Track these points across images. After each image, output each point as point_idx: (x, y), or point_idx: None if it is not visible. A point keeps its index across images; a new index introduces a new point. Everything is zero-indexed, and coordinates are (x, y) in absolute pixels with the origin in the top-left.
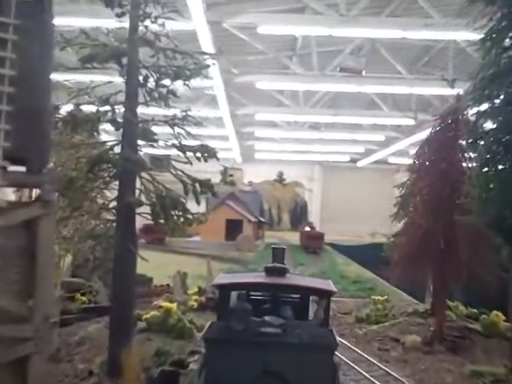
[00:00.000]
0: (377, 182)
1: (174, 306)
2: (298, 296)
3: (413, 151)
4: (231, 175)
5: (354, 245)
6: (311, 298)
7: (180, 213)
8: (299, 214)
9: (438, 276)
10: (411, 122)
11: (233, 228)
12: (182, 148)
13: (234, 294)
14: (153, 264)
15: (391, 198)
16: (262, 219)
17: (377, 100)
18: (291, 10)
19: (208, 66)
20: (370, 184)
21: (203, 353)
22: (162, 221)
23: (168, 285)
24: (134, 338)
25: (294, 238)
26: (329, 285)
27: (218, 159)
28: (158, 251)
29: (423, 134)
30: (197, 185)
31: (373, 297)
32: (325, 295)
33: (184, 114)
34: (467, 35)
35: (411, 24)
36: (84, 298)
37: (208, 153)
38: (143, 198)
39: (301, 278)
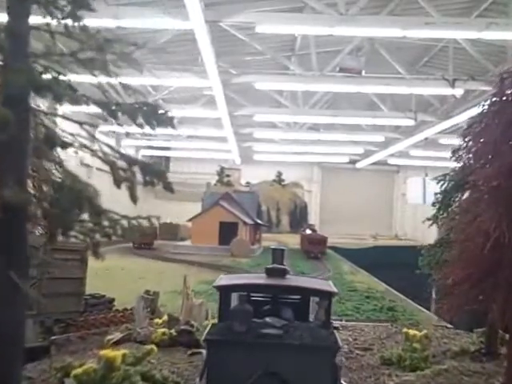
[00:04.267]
0: (376, 183)
1: (118, 354)
2: (299, 297)
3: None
4: (228, 175)
5: (356, 248)
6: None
7: (92, 216)
8: (299, 216)
9: None
10: (411, 122)
11: (227, 231)
12: (109, 106)
13: (234, 296)
14: (130, 275)
15: (391, 199)
16: (259, 221)
17: (376, 100)
18: (290, 10)
19: None
20: (370, 185)
21: (204, 354)
22: (59, 230)
23: None
24: None
25: (293, 241)
26: (329, 285)
27: (173, 127)
28: (142, 257)
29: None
30: (135, 170)
31: (405, 330)
32: (325, 296)
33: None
34: (467, 34)
35: (411, 23)
36: None
37: (156, 117)
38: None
39: (301, 279)
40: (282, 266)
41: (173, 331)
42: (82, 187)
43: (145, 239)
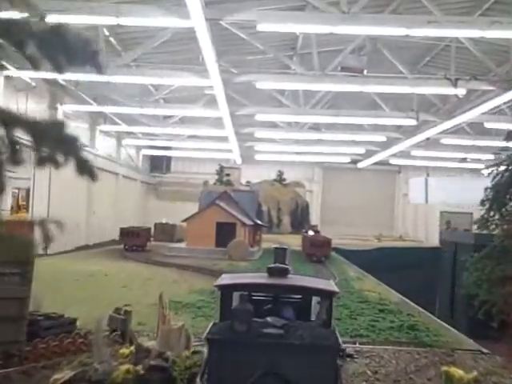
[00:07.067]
0: (378, 183)
1: None
2: (300, 296)
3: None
4: (228, 174)
5: (359, 249)
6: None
7: None
8: (300, 216)
9: None
10: (413, 122)
11: (224, 232)
12: None
13: (235, 295)
14: (113, 283)
15: (393, 199)
16: (258, 222)
17: (378, 100)
18: (292, 8)
19: None
20: (371, 185)
21: (205, 353)
22: None
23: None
24: None
25: (295, 242)
26: (331, 285)
27: (99, 70)
28: (132, 261)
29: None
30: (15, 135)
31: (445, 369)
32: (327, 295)
33: None
34: (471, 33)
35: (414, 22)
36: None
37: (68, 48)
38: None
39: (302, 279)
40: (284, 266)
41: (140, 368)
42: None
43: (137, 241)
